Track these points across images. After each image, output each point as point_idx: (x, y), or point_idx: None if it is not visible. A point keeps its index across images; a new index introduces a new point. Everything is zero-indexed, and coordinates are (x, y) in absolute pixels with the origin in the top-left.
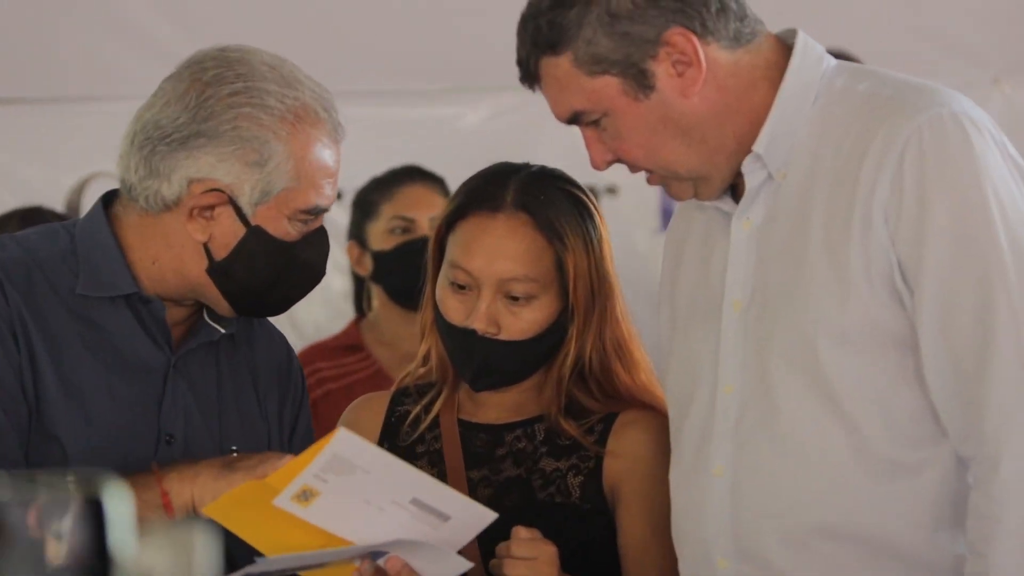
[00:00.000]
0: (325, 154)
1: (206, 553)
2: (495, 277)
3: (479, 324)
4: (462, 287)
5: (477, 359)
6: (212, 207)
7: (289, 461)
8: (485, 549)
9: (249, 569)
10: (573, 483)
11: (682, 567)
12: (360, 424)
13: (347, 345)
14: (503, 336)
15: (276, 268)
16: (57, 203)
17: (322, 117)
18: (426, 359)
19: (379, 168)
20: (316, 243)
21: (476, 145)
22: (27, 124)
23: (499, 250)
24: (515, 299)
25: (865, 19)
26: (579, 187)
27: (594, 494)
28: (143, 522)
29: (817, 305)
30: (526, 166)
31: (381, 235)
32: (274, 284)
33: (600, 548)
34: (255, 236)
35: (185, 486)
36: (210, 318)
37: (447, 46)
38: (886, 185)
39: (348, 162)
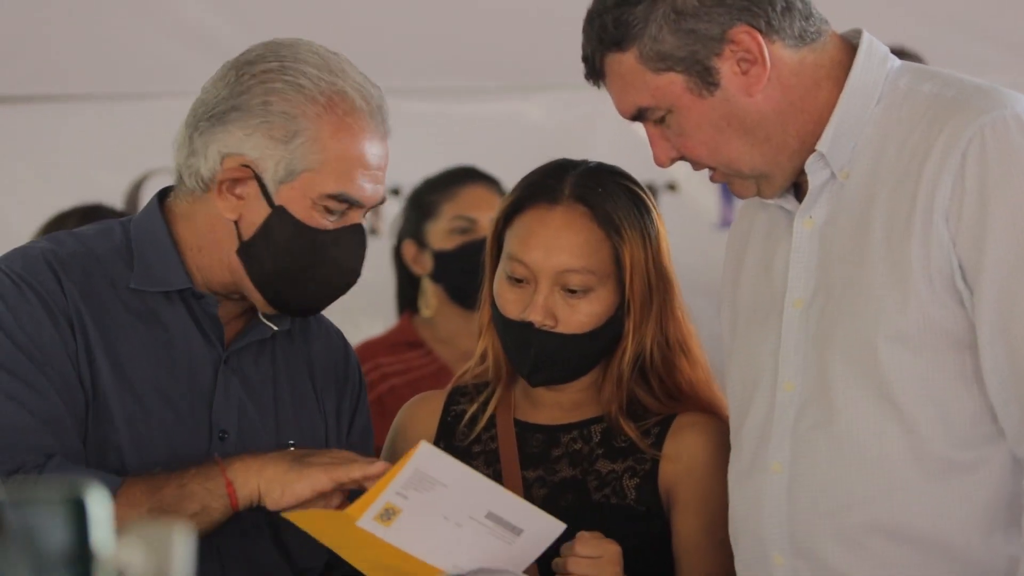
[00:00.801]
0: (360, 145)
1: (183, 553)
2: (552, 269)
3: (536, 316)
4: (519, 280)
5: (534, 352)
6: (240, 182)
7: (361, 465)
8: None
9: None
10: (628, 485)
11: (738, 563)
12: (416, 422)
13: (407, 341)
14: (560, 329)
15: (300, 255)
16: (116, 201)
17: (360, 107)
18: (483, 358)
19: (437, 165)
20: (349, 240)
21: (535, 142)
22: (85, 121)
23: (556, 242)
24: (572, 292)
25: (917, 16)
26: (636, 183)
27: (649, 496)
28: (207, 512)
29: (877, 305)
30: (584, 162)
31: (442, 235)
32: (299, 274)
33: (655, 550)
34: (278, 216)
35: (251, 477)
36: (264, 317)
37: (507, 43)
38: (948, 185)
39: (405, 158)
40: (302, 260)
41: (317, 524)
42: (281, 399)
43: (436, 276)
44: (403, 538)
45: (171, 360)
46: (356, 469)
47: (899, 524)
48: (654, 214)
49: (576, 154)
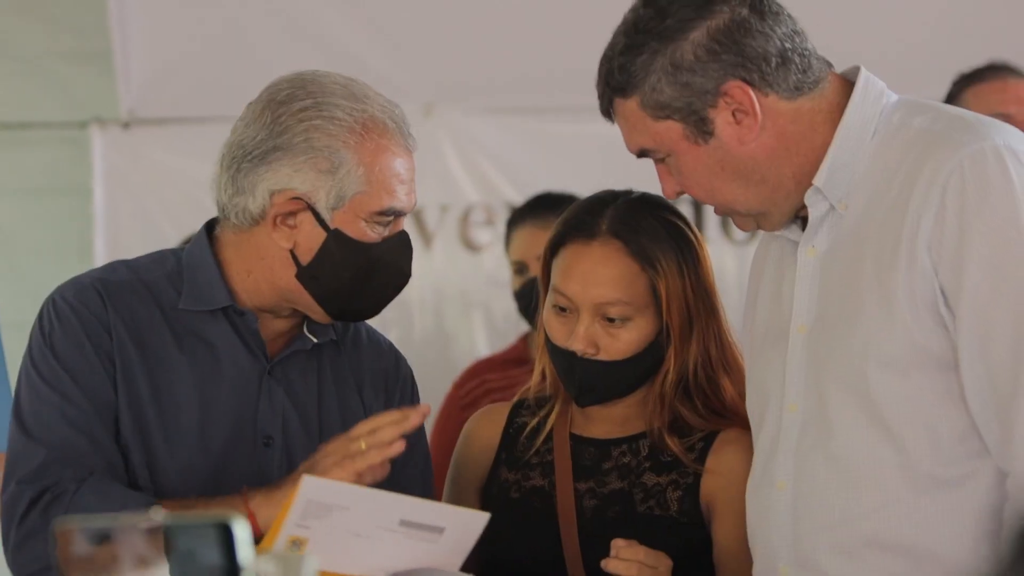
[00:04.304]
0: (395, 162)
1: (311, 573)
2: (591, 301)
3: (578, 346)
4: (563, 310)
5: (579, 378)
6: (293, 214)
7: (362, 441)
8: (588, 556)
9: None
10: (672, 497)
11: (754, 573)
12: (481, 432)
13: (515, 359)
14: (602, 356)
15: (359, 269)
16: None
17: (390, 128)
18: (543, 376)
19: (573, 181)
20: (398, 246)
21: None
22: None
23: (594, 276)
24: (611, 321)
25: None
26: (675, 212)
27: (691, 508)
28: None
29: (866, 331)
30: (626, 193)
31: (512, 276)
32: (360, 285)
33: (695, 559)
34: (335, 239)
35: (271, 507)
36: (308, 330)
37: None
38: (931, 216)
39: (546, 175)
40: (361, 273)
41: None
42: (326, 407)
43: (519, 310)
44: (321, 562)
45: (218, 373)
46: (363, 454)
47: (892, 537)
48: (693, 242)
49: None
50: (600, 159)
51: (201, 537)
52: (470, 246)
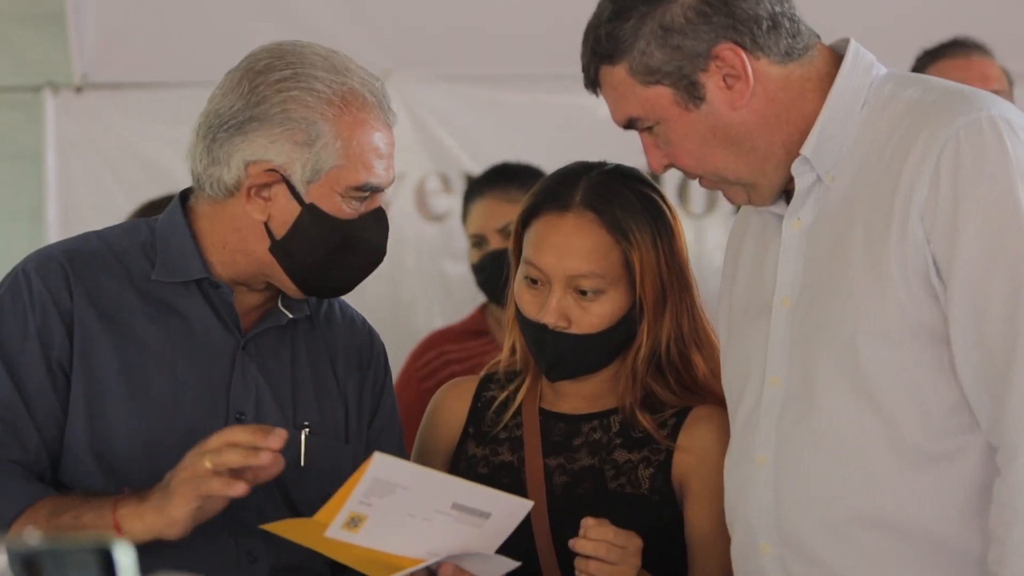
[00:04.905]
0: (374, 136)
1: None
2: (564, 273)
3: (550, 318)
4: (535, 282)
5: (550, 352)
6: (268, 186)
7: (209, 454)
8: (557, 533)
9: None
10: (643, 475)
11: (732, 549)
12: (448, 406)
13: (473, 330)
14: (574, 330)
15: (333, 245)
16: None
17: (370, 101)
18: (512, 350)
19: (532, 151)
20: (374, 222)
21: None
22: (193, 108)
23: (567, 247)
24: (584, 294)
25: None
26: (650, 185)
27: (663, 486)
28: None
29: (857, 302)
30: (600, 165)
31: (471, 248)
32: (333, 261)
33: (667, 538)
34: (310, 213)
35: (135, 520)
36: (283, 305)
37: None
38: (924, 185)
39: (504, 145)
40: (335, 249)
41: (294, 532)
42: (300, 383)
43: (477, 283)
44: (374, 539)
45: (190, 347)
46: (207, 477)
47: (879, 514)
48: (667, 215)
49: None
50: (559, 129)
51: (79, 563)
52: (426, 215)
